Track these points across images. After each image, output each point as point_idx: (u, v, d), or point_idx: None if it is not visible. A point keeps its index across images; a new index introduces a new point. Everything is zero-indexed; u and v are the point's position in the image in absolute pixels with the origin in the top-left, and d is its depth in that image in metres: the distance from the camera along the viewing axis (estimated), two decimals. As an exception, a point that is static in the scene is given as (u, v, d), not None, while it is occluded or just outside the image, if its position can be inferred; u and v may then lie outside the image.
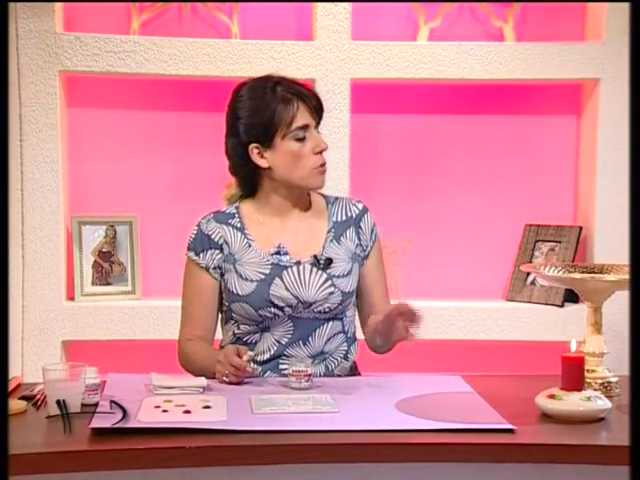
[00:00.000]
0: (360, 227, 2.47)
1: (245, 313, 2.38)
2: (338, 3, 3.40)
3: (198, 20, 3.55)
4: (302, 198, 2.45)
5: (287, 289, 2.37)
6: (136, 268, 3.51)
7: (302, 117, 2.35)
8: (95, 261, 3.49)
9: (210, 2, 3.52)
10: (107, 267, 3.50)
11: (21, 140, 3.34)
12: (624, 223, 3.34)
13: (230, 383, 2.22)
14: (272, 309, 2.36)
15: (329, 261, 2.40)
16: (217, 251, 2.41)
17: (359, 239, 2.46)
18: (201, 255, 2.42)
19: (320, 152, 2.37)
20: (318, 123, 2.40)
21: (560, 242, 3.55)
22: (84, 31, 3.39)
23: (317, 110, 2.39)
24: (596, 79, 3.47)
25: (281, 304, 2.36)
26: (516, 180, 3.67)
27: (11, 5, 3.27)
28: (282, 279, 2.37)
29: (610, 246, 3.44)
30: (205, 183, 3.56)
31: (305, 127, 2.35)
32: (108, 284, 3.49)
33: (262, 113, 2.35)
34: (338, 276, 2.40)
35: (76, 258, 3.45)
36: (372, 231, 2.48)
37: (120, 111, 3.56)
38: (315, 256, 2.40)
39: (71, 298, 3.45)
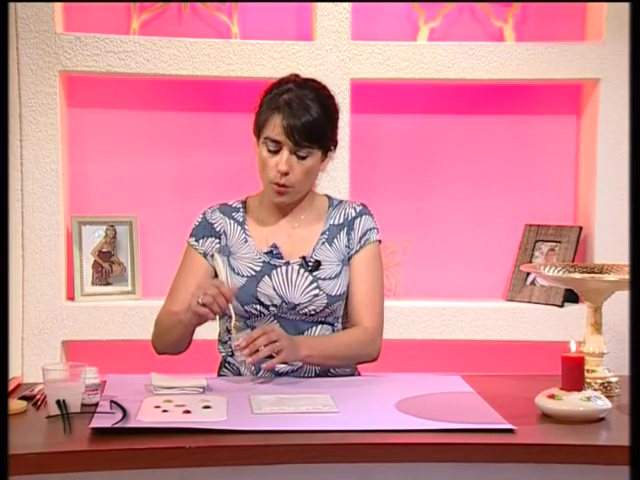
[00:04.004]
0: (352, 228, 2.45)
1: (233, 307, 2.39)
2: (338, 3, 3.40)
3: (198, 20, 3.55)
4: (300, 199, 2.45)
5: (274, 288, 2.38)
6: (136, 268, 3.52)
7: (273, 131, 2.33)
8: (95, 261, 3.49)
9: (210, 2, 3.52)
10: (107, 267, 3.50)
11: (21, 140, 3.35)
12: (624, 223, 3.35)
13: (201, 309, 2.21)
14: (258, 306, 2.38)
15: (317, 263, 2.40)
16: (216, 240, 2.45)
17: (348, 241, 2.45)
18: (200, 242, 2.45)
19: (281, 173, 2.34)
20: (298, 146, 2.32)
21: (560, 242, 3.55)
22: (84, 31, 3.39)
23: (296, 136, 2.31)
24: (596, 79, 3.47)
25: (267, 302, 2.38)
26: (516, 180, 3.67)
27: (11, 5, 3.27)
28: (271, 278, 2.39)
29: (610, 246, 3.44)
30: (205, 183, 3.56)
31: (277, 142, 2.33)
32: (108, 284, 3.49)
33: (260, 110, 2.39)
34: (325, 279, 2.40)
35: (76, 258, 3.45)
36: (364, 234, 2.45)
37: (120, 111, 3.56)
38: (303, 257, 2.41)
39: (71, 298, 3.45)
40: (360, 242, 2.45)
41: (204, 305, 2.22)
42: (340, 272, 2.42)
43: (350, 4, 3.42)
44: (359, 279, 2.43)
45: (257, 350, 2.19)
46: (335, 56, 3.42)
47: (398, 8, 3.56)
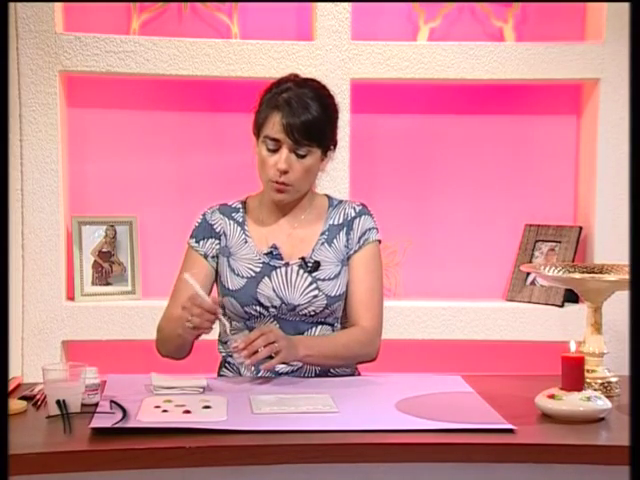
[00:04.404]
0: (351, 229, 2.45)
1: (233, 308, 2.40)
2: (338, 3, 3.40)
3: (198, 20, 3.55)
4: (301, 199, 2.45)
5: (274, 289, 2.38)
6: (136, 268, 3.52)
7: (272, 129, 2.33)
8: (95, 261, 3.49)
9: (210, 2, 3.52)
10: (107, 267, 3.50)
11: (21, 140, 3.35)
12: (624, 223, 3.35)
13: (195, 330, 2.21)
14: (258, 307, 2.38)
15: (317, 264, 2.40)
16: (217, 240, 2.45)
17: (347, 241, 2.45)
18: (201, 243, 2.45)
19: (280, 171, 2.33)
20: (298, 145, 2.32)
21: (560, 242, 3.55)
22: (84, 31, 3.39)
23: (295, 134, 2.31)
24: (596, 79, 3.47)
25: (267, 303, 2.38)
26: (516, 180, 3.67)
27: (11, 5, 3.27)
28: (270, 279, 2.39)
29: (610, 246, 3.44)
30: (205, 183, 3.56)
31: (276, 140, 2.33)
32: (108, 284, 3.49)
33: (260, 109, 2.39)
34: (324, 279, 2.39)
35: (76, 258, 3.45)
36: (363, 234, 2.44)
37: (120, 111, 3.56)
38: (303, 258, 2.40)
39: (71, 298, 3.45)
40: (359, 242, 2.44)
41: (195, 327, 2.22)
42: (339, 272, 2.42)
43: (350, 4, 3.42)
44: (358, 279, 2.43)
45: (256, 351, 2.19)
46: (335, 56, 3.42)
47: (398, 8, 3.56)
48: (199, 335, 2.29)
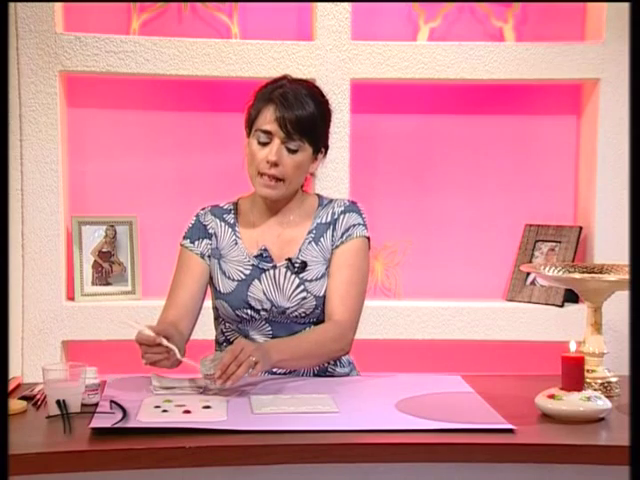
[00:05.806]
0: (336, 225, 2.41)
1: (225, 311, 2.39)
2: (338, 3, 3.41)
3: (198, 20, 3.55)
4: (290, 199, 2.42)
5: (264, 292, 2.37)
6: (136, 268, 3.52)
7: (265, 121, 2.33)
8: (95, 261, 3.49)
9: (210, 2, 3.52)
10: (107, 267, 3.50)
11: (21, 140, 3.35)
12: (624, 223, 3.35)
13: (155, 364, 2.18)
14: (249, 311, 2.37)
15: (304, 265, 2.38)
16: (209, 241, 2.44)
17: (332, 238, 2.42)
18: (196, 243, 2.44)
19: (270, 163, 2.32)
20: (290, 138, 2.31)
21: (560, 242, 3.55)
22: (84, 31, 3.40)
23: (288, 126, 2.30)
24: (596, 79, 3.47)
25: (257, 307, 2.36)
26: (516, 180, 3.67)
27: (11, 5, 3.27)
28: (260, 282, 2.37)
29: (610, 246, 3.44)
30: (205, 183, 3.56)
31: (268, 133, 2.32)
32: (108, 284, 3.49)
33: (253, 104, 2.38)
34: (311, 280, 2.37)
35: (76, 258, 3.45)
36: (347, 230, 2.40)
37: (120, 111, 3.56)
38: (289, 259, 2.39)
39: (71, 298, 3.45)
40: (342, 237, 2.40)
41: (155, 363, 2.19)
42: (325, 272, 2.40)
43: (350, 4, 3.42)
44: (335, 271, 2.38)
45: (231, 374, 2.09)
46: (335, 56, 3.42)
47: (398, 8, 3.56)
48: (173, 359, 2.23)
